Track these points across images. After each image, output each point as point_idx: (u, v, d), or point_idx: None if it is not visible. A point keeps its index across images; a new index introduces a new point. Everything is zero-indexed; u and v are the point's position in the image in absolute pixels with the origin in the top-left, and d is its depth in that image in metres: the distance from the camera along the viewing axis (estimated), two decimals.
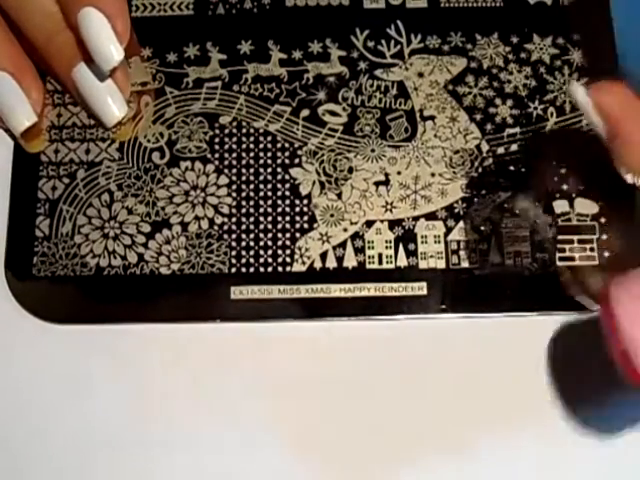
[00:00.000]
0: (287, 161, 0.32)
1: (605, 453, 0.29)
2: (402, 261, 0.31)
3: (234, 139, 0.32)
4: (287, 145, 0.32)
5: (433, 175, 0.32)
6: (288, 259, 0.31)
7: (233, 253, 0.31)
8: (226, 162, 0.32)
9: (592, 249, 0.31)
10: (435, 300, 0.31)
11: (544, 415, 0.30)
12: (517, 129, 0.33)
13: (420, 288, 0.31)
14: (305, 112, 0.33)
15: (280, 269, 0.31)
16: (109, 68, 0.30)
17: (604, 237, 0.31)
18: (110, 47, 0.29)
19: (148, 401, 0.30)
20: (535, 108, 0.33)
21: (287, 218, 0.32)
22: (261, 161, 0.32)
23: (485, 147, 0.32)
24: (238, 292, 0.31)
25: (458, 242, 0.31)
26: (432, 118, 0.33)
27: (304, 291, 0.31)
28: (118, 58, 0.29)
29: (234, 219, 0.32)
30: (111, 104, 0.31)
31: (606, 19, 0.34)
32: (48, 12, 0.30)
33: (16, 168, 0.32)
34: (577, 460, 0.29)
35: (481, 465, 0.29)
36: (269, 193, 0.32)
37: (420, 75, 0.33)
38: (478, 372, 0.30)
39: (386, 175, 0.32)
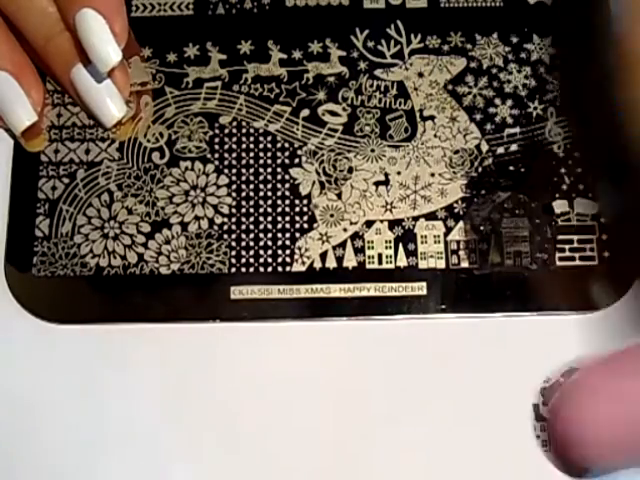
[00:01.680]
0: (287, 161, 0.32)
1: None
2: (402, 261, 0.31)
3: (234, 139, 0.32)
4: (287, 145, 0.32)
5: (433, 175, 0.32)
6: (288, 259, 0.31)
7: (233, 253, 0.31)
8: (226, 162, 0.32)
9: (592, 249, 0.31)
10: (435, 300, 0.31)
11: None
12: (517, 129, 0.33)
13: (420, 288, 0.31)
14: (305, 112, 0.33)
15: (280, 269, 0.31)
16: (107, 69, 0.30)
17: (604, 237, 0.31)
18: (108, 48, 0.29)
19: (148, 401, 0.30)
20: (535, 108, 0.33)
21: (287, 218, 0.32)
22: (261, 161, 0.32)
23: (485, 147, 0.32)
24: (238, 292, 0.31)
25: (458, 242, 0.31)
26: (432, 118, 0.33)
27: (304, 291, 0.31)
28: (116, 59, 0.29)
29: (234, 219, 0.32)
30: (110, 104, 0.31)
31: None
32: (46, 13, 0.30)
33: (16, 168, 0.32)
34: None
35: (480, 465, 0.29)
36: (269, 193, 0.32)
37: (420, 75, 0.33)
38: (478, 372, 0.30)
39: (386, 175, 0.32)
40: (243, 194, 0.32)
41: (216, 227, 0.31)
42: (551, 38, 0.34)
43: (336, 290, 0.31)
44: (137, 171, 0.32)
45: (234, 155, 0.32)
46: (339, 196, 0.32)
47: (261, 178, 0.32)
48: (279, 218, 0.32)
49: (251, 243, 0.31)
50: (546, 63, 0.33)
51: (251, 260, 0.31)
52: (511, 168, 0.32)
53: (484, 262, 0.31)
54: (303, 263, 0.31)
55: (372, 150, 0.32)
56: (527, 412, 0.30)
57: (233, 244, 0.31)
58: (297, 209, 0.32)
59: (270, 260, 0.31)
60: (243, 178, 0.32)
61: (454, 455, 0.29)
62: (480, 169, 0.32)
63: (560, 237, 0.31)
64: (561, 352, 0.30)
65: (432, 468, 0.29)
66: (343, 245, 0.31)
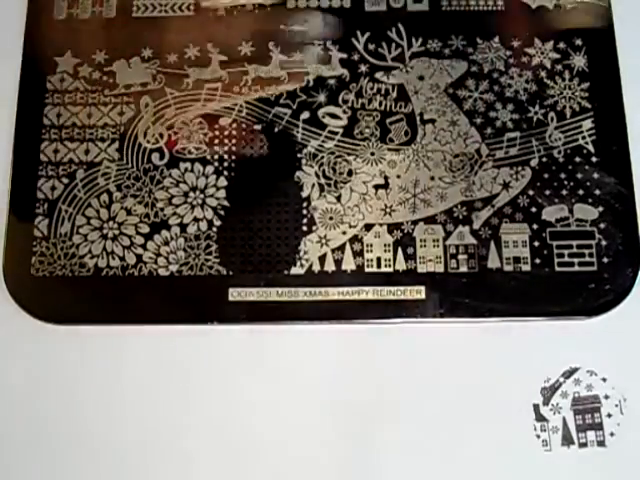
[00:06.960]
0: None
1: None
2: (401, 265, 0.31)
3: (234, 141, 0.32)
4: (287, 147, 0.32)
5: (433, 179, 0.32)
6: (287, 262, 0.31)
7: (231, 255, 0.31)
8: (225, 164, 0.32)
9: (591, 255, 0.31)
10: (433, 304, 0.31)
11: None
12: (517, 133, 0.32)
13: (418, 292, 0.31)
14: (305, 114, 0.33)
15: (278, 272, 0.31)
16: None
17: (603, 243, 0.31)
18: None
19: (146, 401, 0.30)
20: (535, 112, 0.33)
21: (286, 220, 0.32)
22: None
23: (485, 151, 0.32)
24: (236, 294, 0.31)
25: (457, 246, 0.31)
26: (432, 121, 0.33)
27: (302, 294, 0.31)
28: None
29: (233, 221, 0.32)
30: None
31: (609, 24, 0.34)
32: None
33: (16, 168, 0.32)
34: (578, 460, 0.29)
35: (480, 464, 0.29)
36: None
37: (421, 78, 0.33)
38: (478, 374, 0.30)
39: (385, 178, 0.32)
40: (242, 196, 0.32)
41: (215, 229, 0.31)
42: (552, 42, 0.34)
43: (334, 293, 0.31)
44: (136, 172, 0.32)
45: (234, 157, 0.32)
46: (338, 199, 0.32)
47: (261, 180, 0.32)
48: (278, 220, 0.32)
49: (250, 245, 0.31)
50: (547, 67, 0.33)
51: (250, 262, 0.31)
52: (511, 172, 0.32)
53: (483, 267, 0.31)
54: (302, 266, 0.31)
55: (372, 153, 0.32)
56: (527, 412, 0.30)
57: (231, 246, 0.31)
58: (296, 211, 0.32)
59: (268, 262, 0.31)
60: (243, 180, 0.32)
61: (454, 454, 0.29)
62: (480, 173, 0.32)
63: (559, 242, 0.31)
64: (560, 357, 0.30)
65: (432, 468, 0.29)
66: (342, 248, 0.31)
